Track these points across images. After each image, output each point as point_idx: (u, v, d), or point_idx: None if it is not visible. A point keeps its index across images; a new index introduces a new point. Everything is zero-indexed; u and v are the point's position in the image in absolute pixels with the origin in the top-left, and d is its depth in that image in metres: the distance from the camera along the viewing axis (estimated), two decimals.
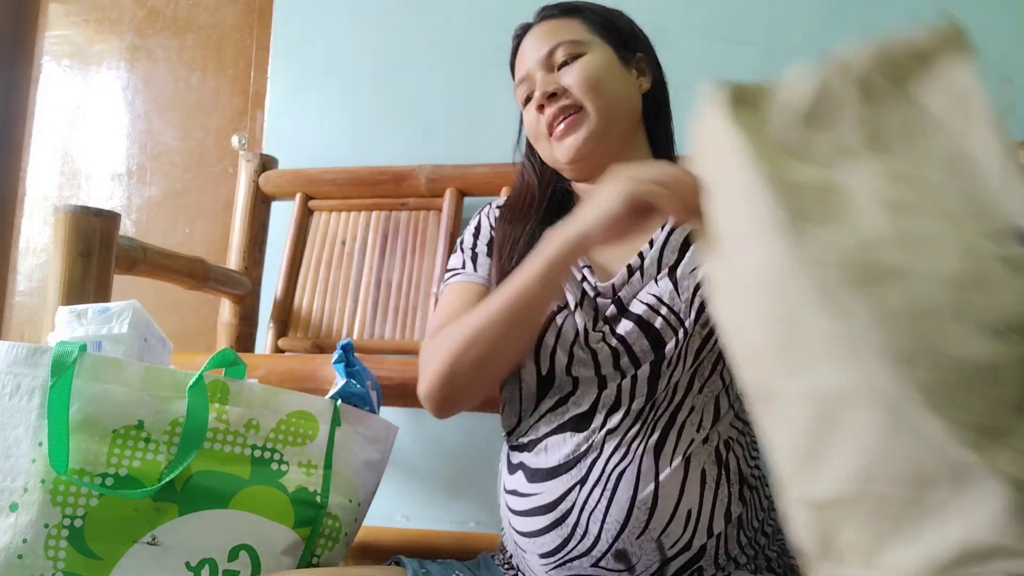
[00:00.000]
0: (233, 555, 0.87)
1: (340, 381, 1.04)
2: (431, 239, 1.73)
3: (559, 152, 0.96)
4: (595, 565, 0.84)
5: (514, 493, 0.91)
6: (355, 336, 1.70)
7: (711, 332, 0.86)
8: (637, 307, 0.88)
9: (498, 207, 1.08)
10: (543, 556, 0.87)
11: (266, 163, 1.88)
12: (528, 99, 0.99)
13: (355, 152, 1.91)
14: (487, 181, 1.74)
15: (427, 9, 1.94)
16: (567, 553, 0.85)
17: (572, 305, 0.91)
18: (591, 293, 0.92)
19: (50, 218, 1.19)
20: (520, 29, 1.03)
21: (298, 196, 1.84)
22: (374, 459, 1.01)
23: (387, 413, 1.09)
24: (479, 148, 1.80)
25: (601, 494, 0.83)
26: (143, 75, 2.21)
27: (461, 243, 1.06)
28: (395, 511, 1.76)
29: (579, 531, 0.84)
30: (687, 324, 0.86)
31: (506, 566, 0.96)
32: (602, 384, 0.88)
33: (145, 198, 2.18)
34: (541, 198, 1.03)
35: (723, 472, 0.85)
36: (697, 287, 0.86)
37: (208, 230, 2.11)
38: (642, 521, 0.82)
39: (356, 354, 1.09)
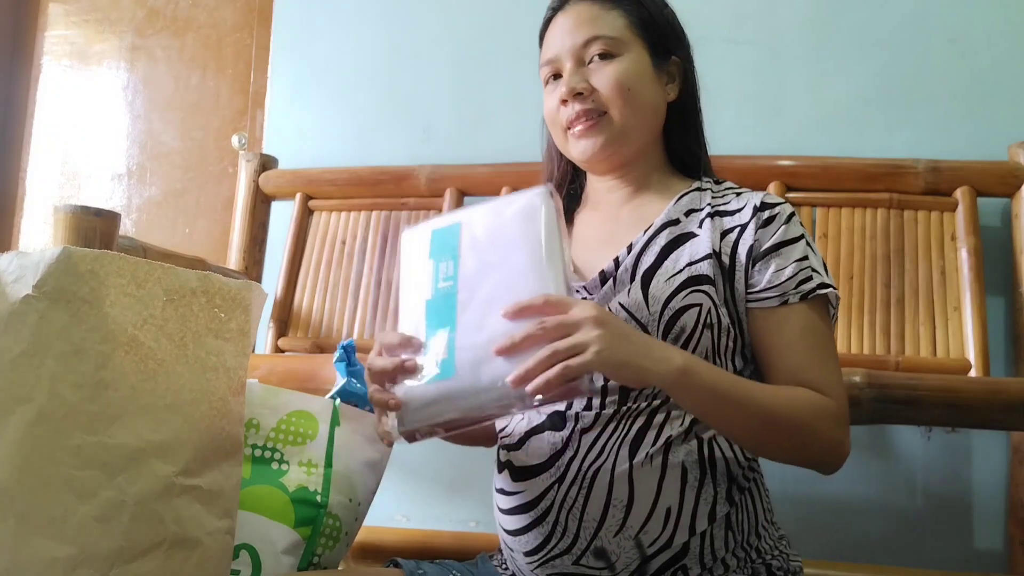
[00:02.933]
0: (234, 554, 0.87)
1: (340, 381, 1.04)
2: None
3: (574, 149, 0.95)
4: (576, 563, 0.84)
5: (501, 492, 0.91)
6: (355, 336, 1.70)
7: (685, 344, 0.84)
8: None
9: None
10: (527, 554, 0.87)
11: (266, 163, 1.88)
12: (550, 79, 0.97)
13: (355, 152, 1.91)
14: (487, 181, 1.74)
15: (427, 9, 1.94)
16: (549, 551, 0.85)
17: None
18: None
19: (50, 218, 1.18)
20: (557, 2, 0.98)
21: (298, 196, 1.84)
22: (374, 459, 1.01)
23: None
24: (479, 148, 1.80)
25: (578, 492, 0.83)
26: (143, 75, 2.21)
27: None
28: (395, 511, 1.76)
29: (559, 529, 0.84)
30: (653, 335, 0.84)
31: (503, 567, 0.96)
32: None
33: (145, 198, 2.18)
34: (562, 188, 1.03)
35: (708, 471, 0.84)
36: (668, 299, 0.85)
37: (208, 230, 2.11)
38: (618, 519, 0.82)
39: (356, 354, 1.10)
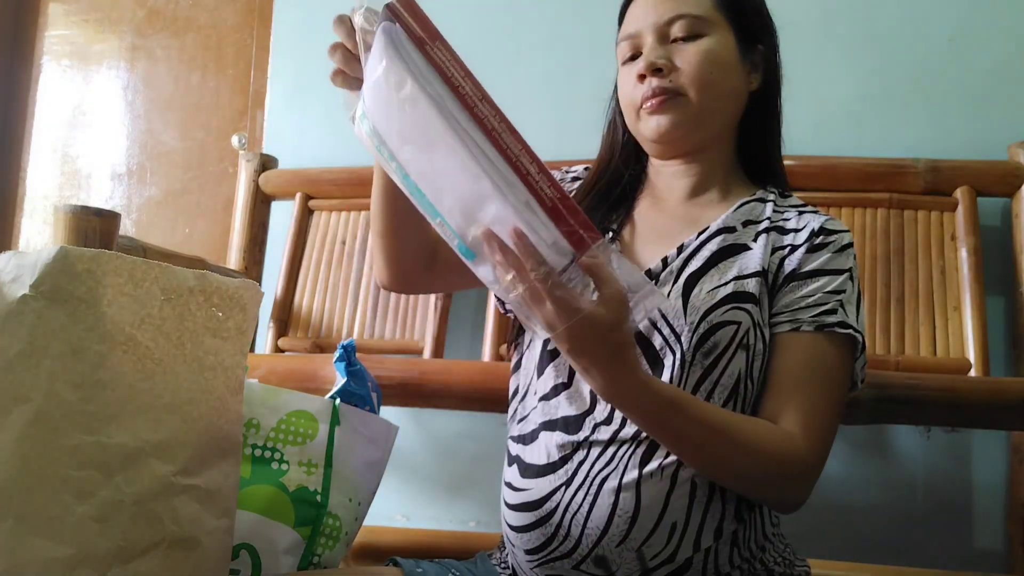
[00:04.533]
0: (233, 554, 0.87)
1: (340, 380, 1.04)
2: None
3: (645, 127, 0.91)
4: (576, 568, 0.83)
5: (509, 486, 0.90)
6: (355, 336, 1.70)
7: (714, 365, 0.82)
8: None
9: (575, 178, 1.03)
10: (528, 552, 0.86)
11: (266, 163, 1.88)
12: (628, 58, 0.93)
13: (355, 152, 1.90)
14: None
15: (426, 9, 1.94)
16: (550, 552, 0.84)
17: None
18: None
19: (50, 218, 1.19)
20: None
21: (298, 196, 1.84)
22: (374, 459, 1.01)
23: (387, 413, 1.09)
24: None
25: (584, 498, 0.82)
26: (143, 75, 2.21)
27: None
28: (395, 511, 1.76)
29: (561, 532, 0.83)
30: (684, 347, 0.82)
31: (502, 565, 0.96)
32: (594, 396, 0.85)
33: (145, 198, 2.18)
34: (614, 181, 0.99)
35: (718, 489, 0.81)
36: (707, 312, 0.82)
37: (208, 230, 2.11)
38: (622, 530, 0.80)
39: (356, 354, 1.09)
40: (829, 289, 0.84)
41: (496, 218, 0.65)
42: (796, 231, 0.88)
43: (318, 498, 0.93)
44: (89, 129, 2.24)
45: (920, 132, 1.64)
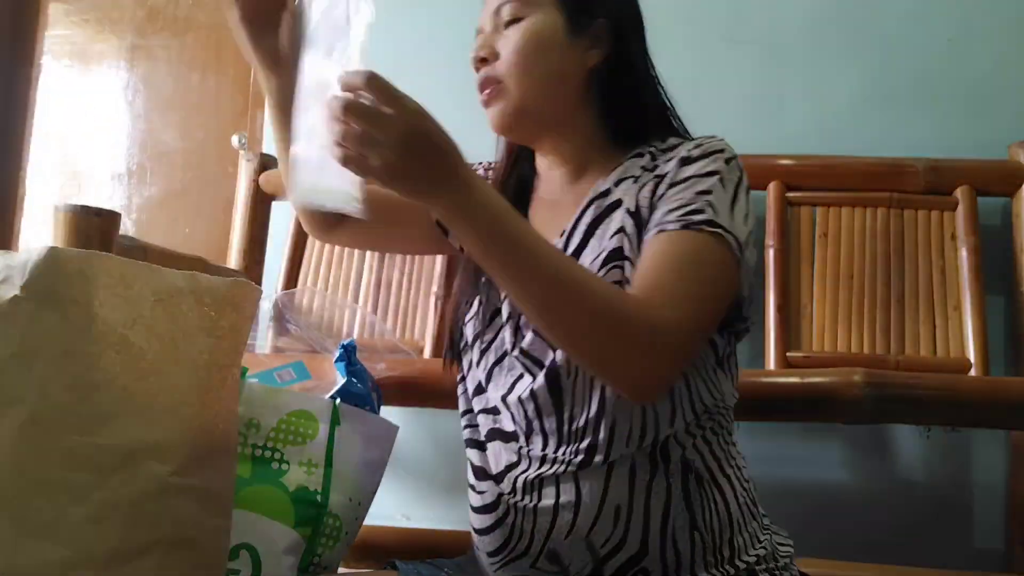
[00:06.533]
0: (234, 554, 0.87)
1: (340, 381, 1.04)
2: None
3: (488, 117, 0.91)
4: (533, 566, 0.83)
5: (471, 488, 0.91)
6: (355, 336, 1.70)
7: None
8: None
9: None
10: (490, 555, 0.87)
11: (266, 163, 1.88)
12: None
13: None
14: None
15: (426, 8, 1.94)
16: (509, 552, 0.85)
17: (504, 317, 0.88)
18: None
19: (50, 218, 1.18)
20: None
21: None
22: (374, 458, 1.01)
23: (387, 413, 1.09)
24: (478, 148, 1.79)
25: (530, 498, 0.82)
26: (143, 75, 2.21)
27: None
28: (395, 511, 1.76)
29: (516, 532, 0.84)
30: None
31: None
32: (515, 407, 0.84)
33: (145, 198, 2.18)
34: (506, 170, 0.99)
35: (661, 464, 0.79)
36: None
37: (208, 230, 2.11)
38: (568, 520, 0.80)
39: (356, 354, 1.10)
40: (697, 190, 0.78)
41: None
42: (669, 160, 0.84)
43: (318, 498, 0.93)
44: (89, 129, 2.24)
45: (920, 132, 1.64)
